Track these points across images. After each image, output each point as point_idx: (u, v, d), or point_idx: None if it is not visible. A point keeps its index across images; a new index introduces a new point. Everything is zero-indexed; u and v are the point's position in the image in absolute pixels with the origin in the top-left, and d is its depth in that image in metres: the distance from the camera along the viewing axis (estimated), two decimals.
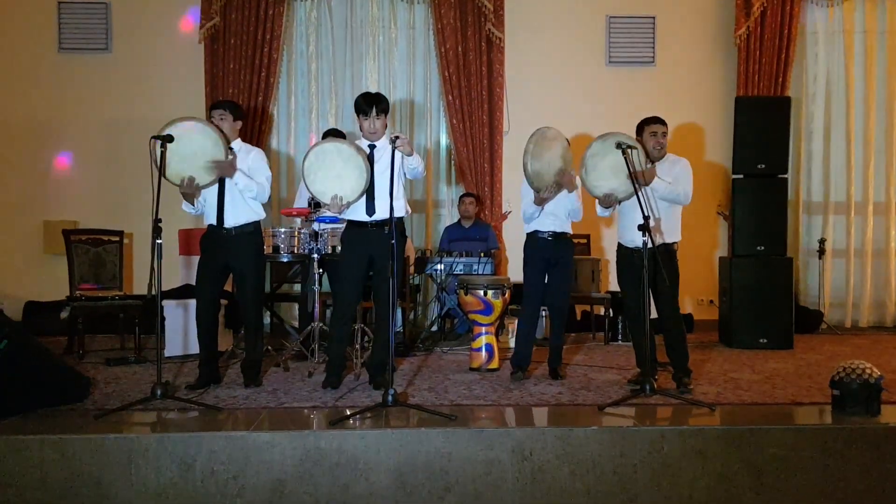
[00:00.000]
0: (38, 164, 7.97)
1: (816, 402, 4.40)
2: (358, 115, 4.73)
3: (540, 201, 4.92)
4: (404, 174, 4.71)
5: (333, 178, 4.54)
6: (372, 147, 4.72)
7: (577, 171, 4.90)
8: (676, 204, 4.79)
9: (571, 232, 5.18)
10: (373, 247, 4.66)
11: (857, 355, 5.47)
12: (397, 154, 4.38)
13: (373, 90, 7.97)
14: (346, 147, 4.55)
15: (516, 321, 5.29)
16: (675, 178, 4.74)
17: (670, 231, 4.80)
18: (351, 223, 4.79)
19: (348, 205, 4.59)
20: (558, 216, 5.06)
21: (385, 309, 4.66)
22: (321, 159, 4.54)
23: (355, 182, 4.53)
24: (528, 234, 5.16)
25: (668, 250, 4.74)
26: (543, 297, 5.18)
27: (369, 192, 4.63)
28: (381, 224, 4.65)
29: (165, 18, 8.02)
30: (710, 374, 5.34)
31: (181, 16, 7.97)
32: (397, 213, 4.48)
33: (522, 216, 5.16)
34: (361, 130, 4.77)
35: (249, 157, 4.79)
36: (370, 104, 4.68)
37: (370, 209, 4.67)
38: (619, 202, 4.71)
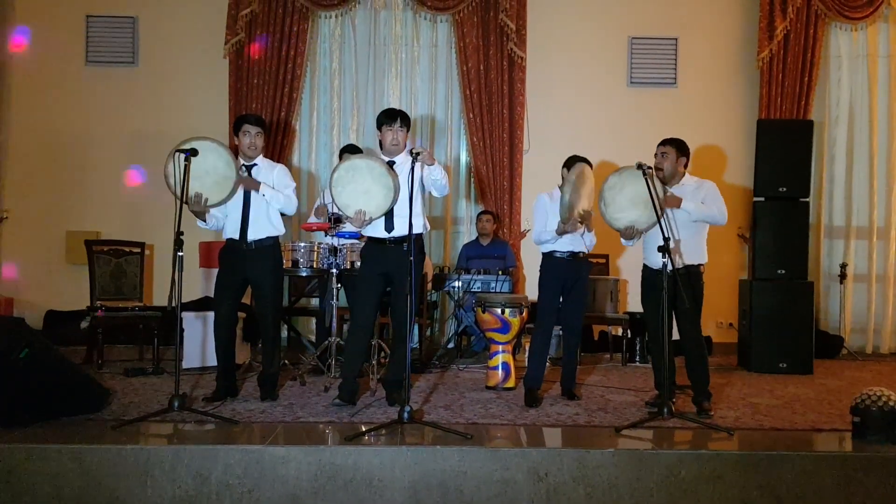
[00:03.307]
0: (62, 175, 8.06)
1: (837, 428, 4.34)
2: (381, 128, 4.75)
3: (562, 232, 4.89)
4: (424, 190, 4.71)
5: (361, 193, 4.57)
6: (391, 163, 4.72)
7: (595, 204, 4.89)
8: (714, 224, 4.74)
9: (587, 251, 5.14)
10: (390, 263, 4.66)
11: (878, 382, 5.40)
12: (418, 169, 4.40)
13: (394, 107, 8.10)
14: (377, 165, 4.56)
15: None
16: (703, 200, 4.70)
17: (695, 253, 4.75)
18: (370, 239, 4.81)
19: (370, 220, 4.61)
20: (575, 236, 5.00)
21: (402, 326, 4.66)
22: (350, 174, 4.58)
23: (381, 200, 4.56)
24: (544, 254, 5.12)
25: (690, 272, 4.71)
26: (558, 317, 5.15)
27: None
28: (399, 241, 4.66)
29: (192, 33, 8.11)
30: (728, 398, 5.29)
31: (207, 31, 8.05)
32: (416, 230, 4.48)
33: (535, 240, 5.14)
34: (383, 145, 4.77)
35: (274, 173, 4.85)
36: (394, 115, 4.73)
37: (389, 226, 4.68)
38: (642, 233, 4.65)
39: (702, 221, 4.71)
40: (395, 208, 4.64)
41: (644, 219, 4.55)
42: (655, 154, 4.85)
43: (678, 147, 4.82)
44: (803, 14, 8.10)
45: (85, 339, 6.33)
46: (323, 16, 8.13)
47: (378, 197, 4.56)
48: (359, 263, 5.05)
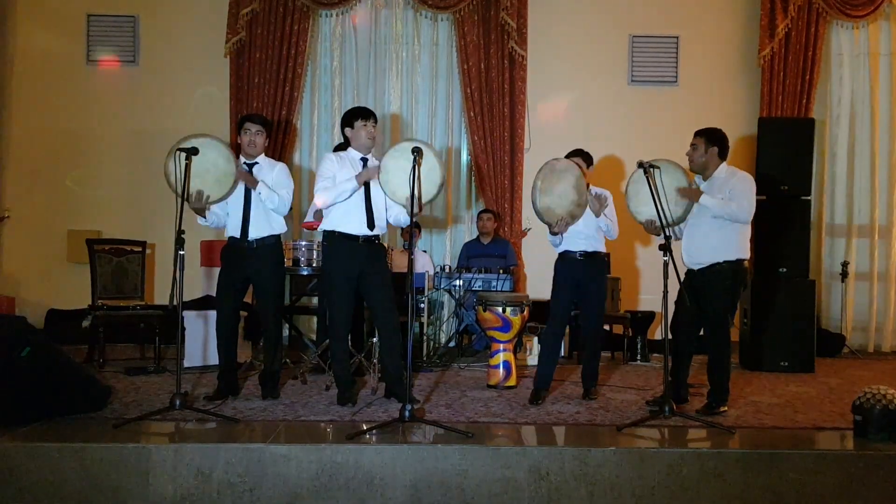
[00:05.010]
0: (64, 173, 8.07)
1: (838, 427, 4.35)
2: (356, 120, 4.67)
3: (554, 234, 4.86)
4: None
5: (402, 175, 4.30)
6: (364, 160, 4.72)
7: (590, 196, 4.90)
8: (735, 221, 4.52)
9: (604, 251, 5.08)
10: (364, 262, 4.67)
11: (879, 380, 5.40)
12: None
13: (395, 106, 8.11)
14: (439, 171, 4.41)
15: (535, 339, 5.22)
16: (729, 193, 4.53)
17: (720, 249, 4.55)
18: (339, 235, 4.67)
19: (370, 178, 4.54)
20: (589, 235, 4.94)
21: (387, 320, 4.69)
22: (404, 157, 4.32)
23: (405, 195, 4.32)
24: (559, 254, 5.05)
25: (711, 269, 4.56)
26: (576, 319, 5.10)
27: (368, 206, 4.66)
28: (370, 239, 4.70)
29: (192, 32, 8.11)
30: (730, 396, 5.27)
31: (208, 30, 8.04)
32: (382, 231, 4.70)
33: (550, 242, 5.06)
34: (359, 139, 4.68)
35: (274, 172, 4.83)
36: (370, 113, 4.72)
37: (370, 223, 4.68)
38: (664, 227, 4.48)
39: (721, 218, 4.52)
40: (373, 206, 4.66)
41: (667, 212, 4.47)
42: (690, 146, 4.73)
43: (707, 137, 4.65)
44: (804, 12, 8.11)
45: (86, 337, 6.33)
46: (323, 14, 8.13)
47: (404, 191, 4.30)
48: (324, 262, 4.89)
